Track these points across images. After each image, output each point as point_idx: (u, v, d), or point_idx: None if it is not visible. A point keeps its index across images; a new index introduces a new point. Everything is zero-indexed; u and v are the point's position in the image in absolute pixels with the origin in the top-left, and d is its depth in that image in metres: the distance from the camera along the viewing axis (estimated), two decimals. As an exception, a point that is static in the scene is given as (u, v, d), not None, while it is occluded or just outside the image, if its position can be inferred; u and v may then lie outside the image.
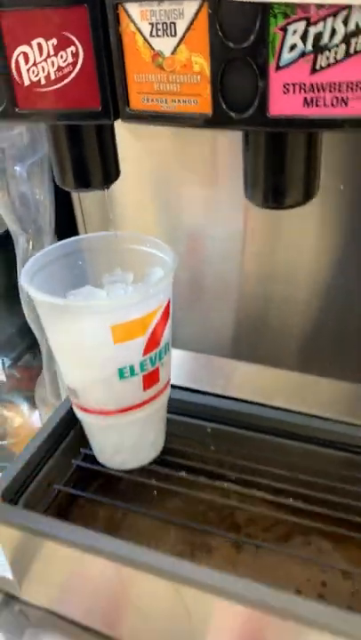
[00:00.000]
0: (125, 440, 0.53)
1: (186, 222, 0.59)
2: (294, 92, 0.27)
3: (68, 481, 0.58)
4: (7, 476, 0.54)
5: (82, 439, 0.61)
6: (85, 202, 0.59)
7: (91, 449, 0.58)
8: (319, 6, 0.24)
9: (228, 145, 0.52)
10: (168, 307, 0.48)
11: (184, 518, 0.56)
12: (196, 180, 0.56)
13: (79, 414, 0.53)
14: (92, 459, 0.58)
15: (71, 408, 0.62)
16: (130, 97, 0.31)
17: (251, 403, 0.62)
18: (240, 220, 0.56)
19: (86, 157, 0.40)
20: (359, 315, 0.57)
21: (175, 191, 0.58)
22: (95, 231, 0.58)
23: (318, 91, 0.26)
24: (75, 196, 0.59)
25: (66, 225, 0.62)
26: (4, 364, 0.69)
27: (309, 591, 0.52)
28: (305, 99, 0.27)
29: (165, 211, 0.59)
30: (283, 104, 0.27)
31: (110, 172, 0.42)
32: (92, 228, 0.60)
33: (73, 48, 0.31)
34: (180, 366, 0.64)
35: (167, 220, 0.59)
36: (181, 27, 0.27)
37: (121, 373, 0.48)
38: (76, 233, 0.62)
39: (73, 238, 0.51)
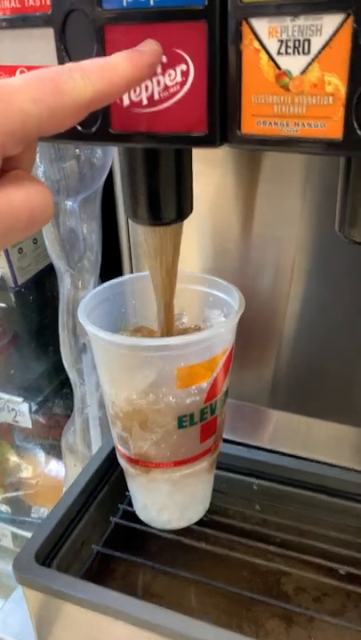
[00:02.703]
0: (174, 496, 0.49)
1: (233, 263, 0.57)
2: None
3: (105, 540, 0.53)
4: (39, 536, 0.49)
5: (119, 494, 0.57)
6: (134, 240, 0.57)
7: (130, 504, 0.53)
8: None
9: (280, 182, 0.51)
10: (232, 351, 0.45)
11: (230, 585, 0.51)
12: (250, 219, 0.54)
13: (125, 466, 0.48)
14: (131, 516, 0.53)
15: (106, 459, 0.58)
16: (242, 120, 0.29)
17: (300, 458, 0.58)
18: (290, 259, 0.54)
19: (165, 189, 0.38)
20: None
21: (225, 230, 0.55)
22: (141, 271, 0.55)
23: None
24: (123, 233, 0.56)
25: (108, 264, 0.60)
26: (30, 408, 0.65)
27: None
28: None
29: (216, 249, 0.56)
30: None
31: (185, 207, 0.40)
32: (138, 268, 0.57)
33: (184, 66, 0.29)
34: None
35: (217, 259, 0.57)
36: (317, 44, 0.25)
37: (180, 422, 0.44)
38: (119, 273, 0.59)
39: (128, 276, 0.48)
